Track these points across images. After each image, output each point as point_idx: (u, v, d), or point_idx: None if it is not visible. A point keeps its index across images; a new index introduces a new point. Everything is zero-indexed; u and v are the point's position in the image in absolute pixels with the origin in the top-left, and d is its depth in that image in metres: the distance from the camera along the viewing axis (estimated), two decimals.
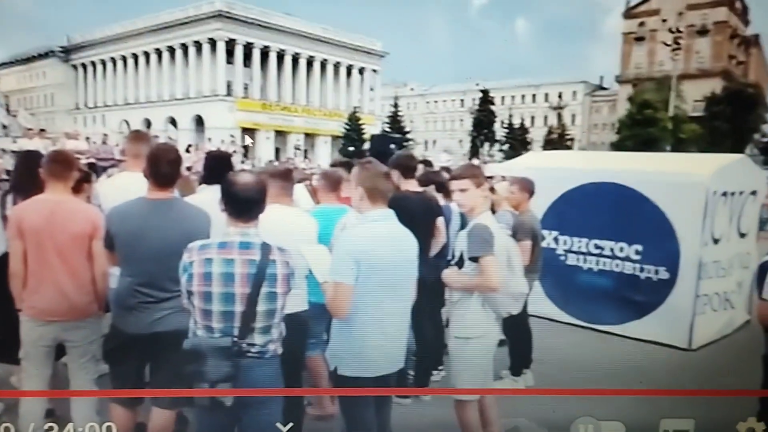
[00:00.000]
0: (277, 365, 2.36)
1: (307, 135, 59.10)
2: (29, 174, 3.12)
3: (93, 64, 67.06)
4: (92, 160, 13.08)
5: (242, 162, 15.92)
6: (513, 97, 78.44)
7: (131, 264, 2.69)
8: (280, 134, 57.37)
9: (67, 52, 69.51)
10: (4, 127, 22.81)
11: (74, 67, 69.57)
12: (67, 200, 2.92)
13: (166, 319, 2.63)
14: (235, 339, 2.21)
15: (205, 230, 2.65)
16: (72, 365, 2.98)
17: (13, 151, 15.97)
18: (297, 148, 40.73)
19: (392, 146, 7.02)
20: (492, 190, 5.49)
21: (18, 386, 3.26)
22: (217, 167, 3.43)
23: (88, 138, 17.00)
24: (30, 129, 17.80)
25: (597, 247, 5.85)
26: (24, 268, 2.86)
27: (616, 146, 43.41)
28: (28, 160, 3.39)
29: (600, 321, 5.70)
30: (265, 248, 2.26)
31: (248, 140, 36.21)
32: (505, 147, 60.74)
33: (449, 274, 3.10)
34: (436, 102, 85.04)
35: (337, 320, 2.55)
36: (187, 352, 2.20)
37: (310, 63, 60.48)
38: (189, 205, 2.84)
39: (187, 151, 17.90)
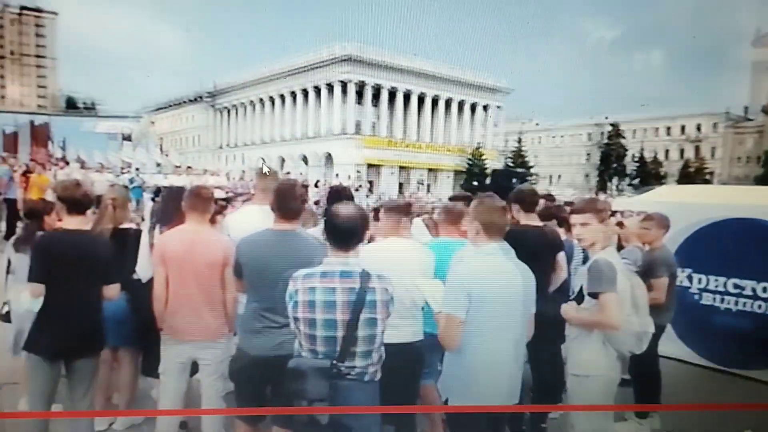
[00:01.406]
0: (376, 389, 2.44)
1: (430, 170, 60.00)
2: (173, 206, 3.51)
3: (235, 107, 74.35)
4: (230, 195, 14.41)
5: (367, 196, 16.55)
6: (645, 130, 73.82)
7: (257, 291, 2.92)
8: (404, 169, 58.80)
9: (212, 96, 77.96)
10: (158, 165, 25.91)
11: (219, 110, 77.69)
12: (204, 230, 3.24)
13: (287, 344, 2.78)
14: (335, 361, 2.32)
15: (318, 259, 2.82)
16: (204, 382, 3.26)
17: (165, 187, 18.07)
18: (420, 182, 41.50)
19: (514, 181, 6.90)
20: (620, 224, 5.18)
21: (156, 399, 3.60)
22: (339, 200, 3.63)
23: (228, 174, 18.73)
24: (179, 166, 20.04)
25: (736, 286, 5.49)
26: (166, 292, 3.20)
27: (762, 180, 38.95)
28: (172, 194, 3.84)
29: (738, 365, 5.33)
30: (365, 276, 2.37)
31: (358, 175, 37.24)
32: (636, 181, 56.97)
33: (568, 310, 3.00)
34: (562, 136, 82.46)
35: (450, 352, 2.55)
36: (290, 372, 2.34)
37: (435, 101, 61.83)
38: (310, 236, 3.03)
39: (316, 186, 19.00)
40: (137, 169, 18.60)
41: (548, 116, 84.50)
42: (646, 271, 4.10)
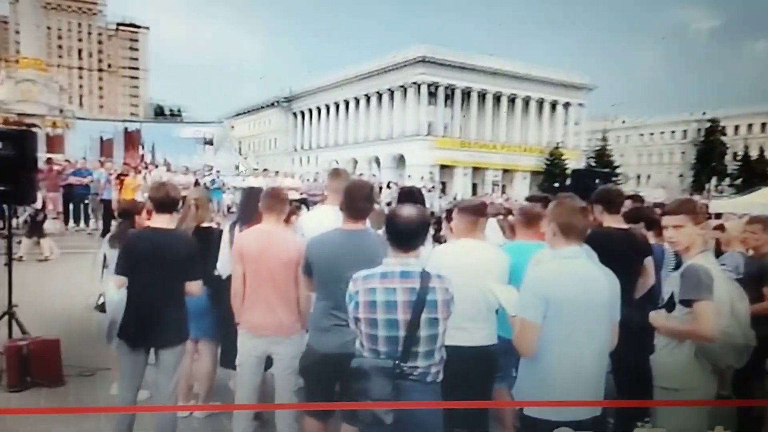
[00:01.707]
0: (438, 390, 2.42)
1: (505, 171, 58.88)
2: (251, 207, 3.67)
3: (309, 111, 76.35)
4: (304, 196, 14.79)
5: (440, 197, 16.47)
6: (750, 126, 68.67)
7: (325, 289, 2.99)
8: (478, 170, 58.07)
9: (288, 101, 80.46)
10: (237, 167, 27.11)
11: (294, 114, 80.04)
12: (279, 230, 3.36)
13: (352, 342, 2.83)
14: (398, 362, 2.32)
15: None
16: (277, 376, 3.37)
17: (244, 188, 18.82)
18: (495, 183, 40.77)
19: (597, 181, 6.61)
20: (720, 228, 4.83)
21: (233, 389, 3.76)
22: (410, 201, 3.62)
23: (302, 176, 19.23)
24: (256, 169, 20.80)
25: None
26: (243, 288, 3.35)
27: None
28: (249, 195, 4.01)
29: None
30: (425, 276, 2.37)
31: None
32: (738, 181, 52.95)
33: (657, 318, 2.81)
34: (651, 134, 78.31)
35: (525, 358, 2.48)
36: (354, 371, 2.37)
37: (511, 101, 60.69)
38: (378, 236, 3.05)
39: (388, 187, 19.12)
40: (217, 172, 19.48)
41: (636, 113, 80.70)
42: (754, 279, 3.78)
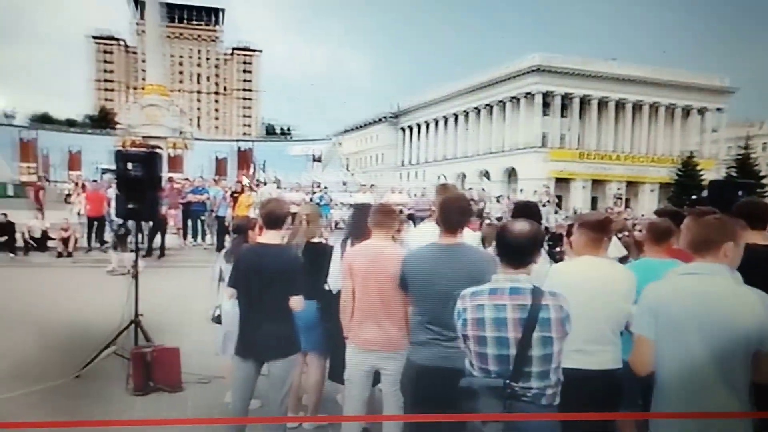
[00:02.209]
0: (554, 413, 2.36)
1: (629, 183, 55.81)
2: (360, 223, 3.82)
3: (417, 125, 77.46)
4: (411, 211, 14.95)
5: (555, 212, 15.95)
6: None
7: (421, 303, 3.03)
8: (598, 183, 55.50)
9: (396, 117, 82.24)
10: (344, 183, 28.11)
11: (401, 129, 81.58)
12: (387, 245, 3.47)
13: (454, 358, 2.81)
14: (509, 381, 2.28)
15: (487, 274, 2.80)
16: (385, 391, 3.44)
17: (350, 204, 19.43)
18: (617, 197, 38.69)
19: (740, 193, 6.08)
20: None
21: (341, 403, 3.88)
22: (525, 216, 3.57)
23: (409, 191, 19.49)
24: (363, 185, 21.40)
25: None
26: (352, 303, 3.48)
27: None
28: (359, 212, 4.19)
29: None
30: (537, 293, 2.33)
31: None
32: None
33: None
34: None
35: (638, 375, 2.38)
36: (462, 391, 2.37)
37: (637, 107, 57.66)
38: (476, 250, 3.09)
39: (498, 201, 18.85)
40: (325, 188, 20.29)
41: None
42: None
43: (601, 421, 2.83)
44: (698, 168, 49.52)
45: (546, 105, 56.23)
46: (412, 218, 14.41)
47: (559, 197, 39.35)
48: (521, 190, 35.34)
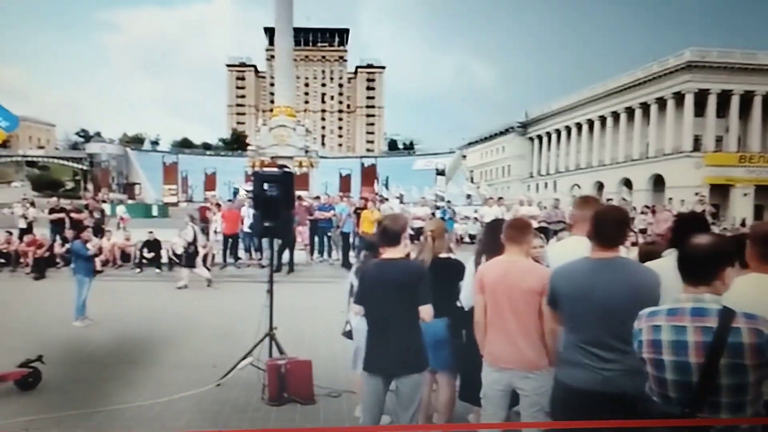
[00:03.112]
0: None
1: None
2: (494, 238, 3.81)
3: (548, 134, 75.41)
4: (543, 224, 14.52)
5: (712, 223, 14.68)
6: None
7: (575, 322, 2.92)
8: (764, 189, 50.30)
9: (524, 126, 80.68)
10: (468, 197, 28.02)
11: (530, 139, 79.80)
12: (520, 260, 3.43)
13: (615, 380, 2.70)
14: (689, 410, 2.12)
15: (652, 292, 2.69)
16: (523, 413, 3.37)
17: (475, 218, 19.32)
18: None
19: None
20: None
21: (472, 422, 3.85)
22: (689, 231, 3.34)
23: (539, 203, 18.97)
24: (489, 198, 21.18)
25: None
26: (485, 320, 3.47)
27: None
28: (492, 227, 4.17)
29: None
30: (726, 314, 2.12)
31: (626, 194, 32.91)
32: None
33: None
34: None
35: None
36: (641, 416, 2.26)
37: None
38: (636, 265, 2.91)
39: (643, 212, 17.74)
40: (447, 202, 20.35)
41: None
42: None
43: None
44: None
45: (697, 105, 52.24)
46: (544, 231, 14.02)
47: (716, 206, 36.14)
48: (670, 200, 32.93)
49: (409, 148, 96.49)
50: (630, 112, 59.24)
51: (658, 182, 53.84)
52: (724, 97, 52.17)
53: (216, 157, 64.05)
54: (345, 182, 45.49)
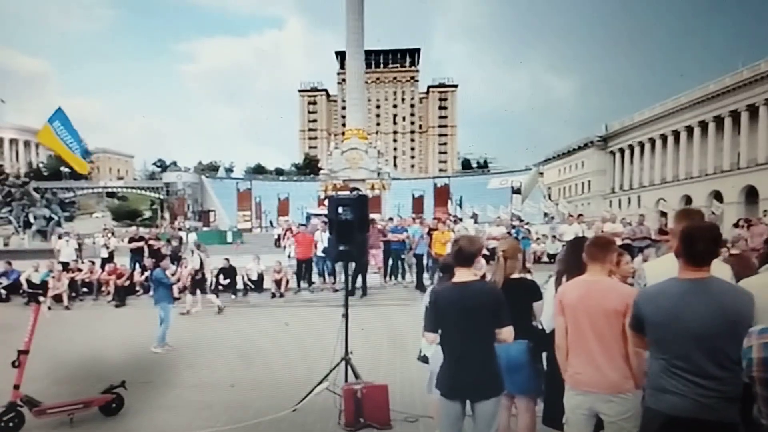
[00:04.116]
0: None
1: None
2: (575, 256, 3.73)
3: (630, 147, 72.88)
4: (627, 242, 13.96)
5: None
6: None
7: (663, 345, 2.79)
8: None
9: (604, 140, 78.34)
10: (546, 215, 27.42)
11: (611, 153, 77.35)
12: (601, 280, 3.34)
13: (709, 406, 2.59)
14: None
15: (749, 311, 2.58)
16: None
17: (554, 236, 18.84)
18: None
19: None
20: None
21: None
22: None
23: (623, 220, 18.28)
24: (569, 215, 20.63)
25: None
26: (566, 342, 3.40)
27: None
28: (574, 245, 4.07)
29: None
30: None
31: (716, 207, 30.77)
32: None
33: None
34: None
35: None
36: None
37: None
38: (729, 285, 2.78)
39: (737, 225, 16.77)
40: (520, 220, 20.00)
41: None
42: None
43: None
44: None
45: None
46: (629, 249, 13.45)
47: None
48: (765, 212, 30.97)
49: (483, 166, 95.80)
50: (719, 121, 56.45)
51: (751, 194, 50.79)
52: None
53: (289, 182, 65.97)
54: (418, 203, 45.57)
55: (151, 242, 16.98)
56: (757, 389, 2.18)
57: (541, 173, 64.53)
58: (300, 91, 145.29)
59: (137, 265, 16.14)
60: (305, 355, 7.92)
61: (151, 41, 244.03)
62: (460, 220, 21.54)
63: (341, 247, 6.31)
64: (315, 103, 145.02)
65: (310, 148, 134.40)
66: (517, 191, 48.50)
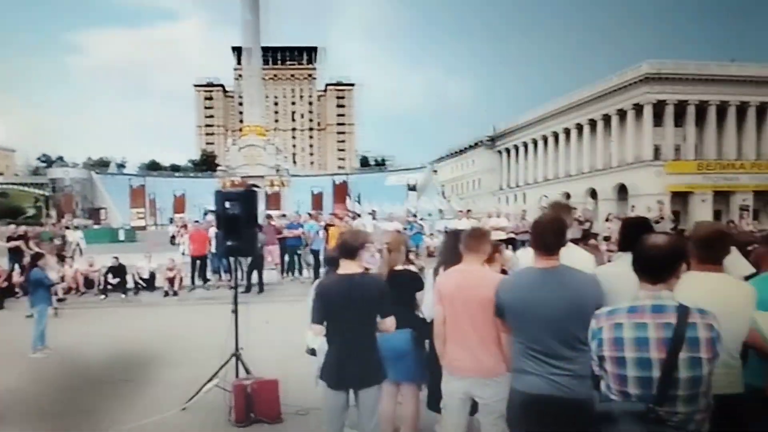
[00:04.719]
0: None
1: (757, 193, 51.65)
2: (451, 248, 3.86)
3: (515, 147, 76.46)
4: (511, 235, 14.67)
5: (672, 229, 15.01)
6: None
7: (521, 330, 2.97)
8: (720, 195, 51.78)
9: (492, 140, 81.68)
10: (441, 211, 28.28)
11: (499, 152, 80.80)
12: (476, 269, 3.48)
13: (562, 384, 2.76)
14: (652, 405, 2.18)
15: (594, 296, 2.78)
16: (482, 420, 3.41)
17: (446, 231, 19.43)
18: (743, 208, 35.73)
19: None
20: None
21: None
22: (635, 234, 3.42)
23: (508, 215, 19.19)
24: (460, 211, 21.36)
25: None
26: (443, 329, 3.51)
27: None
28: (450, 237, 4.22)
29: None
30: (683, 311, 2.23)
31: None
32: None
33: None
34: None
35: None
36: (600, 416, 2.28)
37: (761, 111, 53.68)
38: (578, 273, 2.96)
39: (607, 220, 18.08)
40: (414, 216, 20.50)
41: None
42: None
43: None
44: None
45: (656, 115, 53.64)
46: (513, 243, 14.16)
47: (676, 213, 37.00)
48: (632, 207, 33.65)
49: (381, 164, 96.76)
50: (593, 123, 60.49)
51: (623, 191, 54.95)
52: (681, 108, 53.66)
53: (185, 179, 63.22)
54: (317, 200, 45.40)
55: (30, 241, 15.72)
56: (607, 367, 2.32)
57: (436, 171, 66.15)
58: (196, 86, 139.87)
59: (16, 266, 14.87)
60: (197, 354, 7.65)
61: (35, 29, 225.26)
62: (359, 216, 21.66)
63: (229, 243, 6.12)
64: (211, 98, 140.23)
65: (208, 144, 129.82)
66: (413, 188, 49.45)
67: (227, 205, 6.11)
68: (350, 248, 3.66)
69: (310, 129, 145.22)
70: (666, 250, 2.33)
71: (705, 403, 2.24)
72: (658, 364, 2.19)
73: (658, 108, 53.39)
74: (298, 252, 15.42)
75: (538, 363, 2.84)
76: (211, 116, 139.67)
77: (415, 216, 21.28)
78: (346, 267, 3.65)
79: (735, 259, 3.80)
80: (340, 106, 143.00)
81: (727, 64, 53.74)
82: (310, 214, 17.93)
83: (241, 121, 59.68)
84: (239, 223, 6.08)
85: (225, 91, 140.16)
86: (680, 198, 51.01)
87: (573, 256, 3.32)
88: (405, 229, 16.97)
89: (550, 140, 68.31)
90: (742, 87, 52.56)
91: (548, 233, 2.96)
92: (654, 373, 2.20)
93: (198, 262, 14.82)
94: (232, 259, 11.54)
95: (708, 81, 52.42)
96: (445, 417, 3.52)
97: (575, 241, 4.98)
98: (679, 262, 2.36)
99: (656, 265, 2.32)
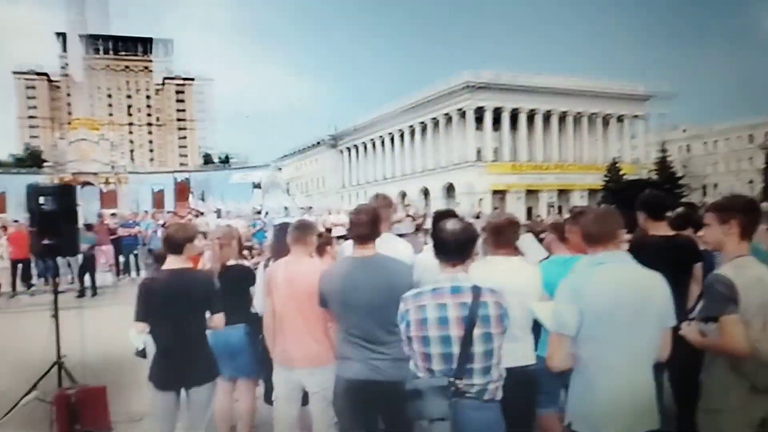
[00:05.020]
0: (497, 408, 2.43)
1: (560, 191, 57.84)
2: (281, 242, 3.81)
3: (356, 147, 77.82)
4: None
5: None
6: None
7: (343, 318, 3.03)
8: (532, 193, 57.24)
9: (334, 139, 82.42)
10: (286, 208, 27.99)
11: (341, 151, 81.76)
12: (303, 261, 3.46)
13: (379, 368, 2.86)
14: (453, 379, 2.32)
15: (406, 281, 2.89)
16: (313, 409, 3.40)
17: (274, 226, 19.30)
18: (550, 205, 40.17)
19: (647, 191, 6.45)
20: None
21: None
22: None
23: (348, 212, 19.51)
24: (302, 208, 21.31)
25: None
26: (273, 321, 3.46)
27: None
28: (279, 230, 4.17)
29: None
30: (476, 291, 2.38)
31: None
32: None
33: (689, 331, 2.63)
34: (716, 141, 75.56)
35: (574, 372, 2.44)
36: (409, 393, 2.37)
37: (562, 118, 59.99)
38: (391, 260, 3.09)
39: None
40: (258, 213, 20.10)
41: (699, 120, 78.76)
42: None
43: (519, 415, 2.90)
44: (622, 173, 51.83)
45: (479, 120, 57.70)
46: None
47: (497, 209, 40.34)
48: (458, 204, 36.02)
49: (224, 162, 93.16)
50: (424, 126, 63.44)
51: (452, 189, 58.37)
52: (498, 113, 58.09)
53: (5, 175, 55.70)
54: (158, 198, 42.45)
55: None
56: (414, 347, 2.43)
57: (280, 169, 65.22)
58: (15, 73, 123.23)
59: None
60: (17, 365, 6.78)
61: None
62: (202, 214, 20.68)
63: (45, 242, 5.43)
64: (34, 88, 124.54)
65: (32, 137, 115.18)
66: (258, 186, 48.30)
67: (41, 200, 5.40)
68: (175, 243, 3.45)
69: (149, 124, 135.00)
70: (458, 234, 2.47)
71: (497, 375, 2.42)
72: (457, 340, 2.33)
73: (480, 113, 57.42)
74: (135, 252, 14.35)
75: (358, 349, 2.90)
76: (35, 107, 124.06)
77: (259, 213, 20.84)
78: (173, 262, 3.45)
79: (531, 245, 4.21)
80: (180, 101, 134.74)
81: (535, 76, 58.76)
82: (146, 212, 16.77)
83: (69, 113, 53.87)
84: (56, 221, 5.40)
85: (50, 81, 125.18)
86: (500, 196, 55.45)
87: (395, 246, 3.47)
88: (250, 226, 16.53)
89: (387, 141, 70.52)
90: (547, 97, 57.91)
91: (363, 224, 3.03)
92: (454, 349, 2.33)
93: (20, 265, 13.17)
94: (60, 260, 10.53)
95: (520, 91, 57.19)
96: (277, 408, 3.47)
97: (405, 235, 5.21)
98: (471, 244, 2.52)
99: (451, 248, 2.47)
